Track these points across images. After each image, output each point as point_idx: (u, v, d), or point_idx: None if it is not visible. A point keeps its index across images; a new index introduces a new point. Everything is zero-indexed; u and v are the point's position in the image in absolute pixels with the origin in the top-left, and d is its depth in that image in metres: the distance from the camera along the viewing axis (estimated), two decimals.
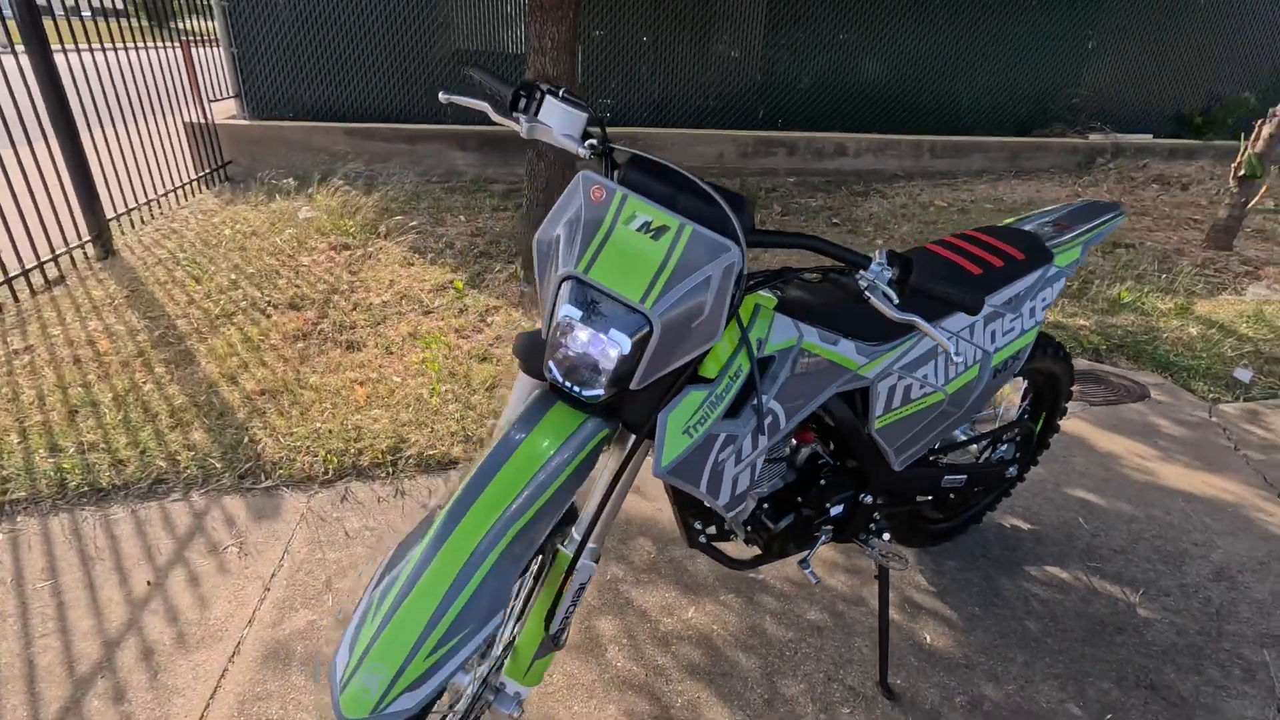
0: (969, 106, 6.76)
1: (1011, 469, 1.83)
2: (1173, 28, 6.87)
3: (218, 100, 5.85)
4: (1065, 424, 2.71)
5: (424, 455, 2.41)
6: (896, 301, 0.97)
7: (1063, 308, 3.74)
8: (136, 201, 4.56)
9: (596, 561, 1.15)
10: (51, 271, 3.70)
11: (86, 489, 2.23)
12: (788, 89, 6.41)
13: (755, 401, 1.10)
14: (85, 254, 3.99)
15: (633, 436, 1.08)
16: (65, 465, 2.29)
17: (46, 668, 1.66)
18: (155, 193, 4.77)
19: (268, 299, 3.51)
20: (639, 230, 0.96)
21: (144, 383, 2.77)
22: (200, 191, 5.28)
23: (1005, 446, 1.86)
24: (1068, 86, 6.92)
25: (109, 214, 4.22)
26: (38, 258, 3.62)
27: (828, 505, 1.43)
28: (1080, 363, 3.21)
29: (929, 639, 1.78)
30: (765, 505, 1.39)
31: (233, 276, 3.74)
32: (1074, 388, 2.90)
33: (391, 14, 5.67)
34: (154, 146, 4.85)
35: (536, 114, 1.16)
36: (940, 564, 2.01)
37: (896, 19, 6.34)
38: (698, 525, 1.39)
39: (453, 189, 5.67)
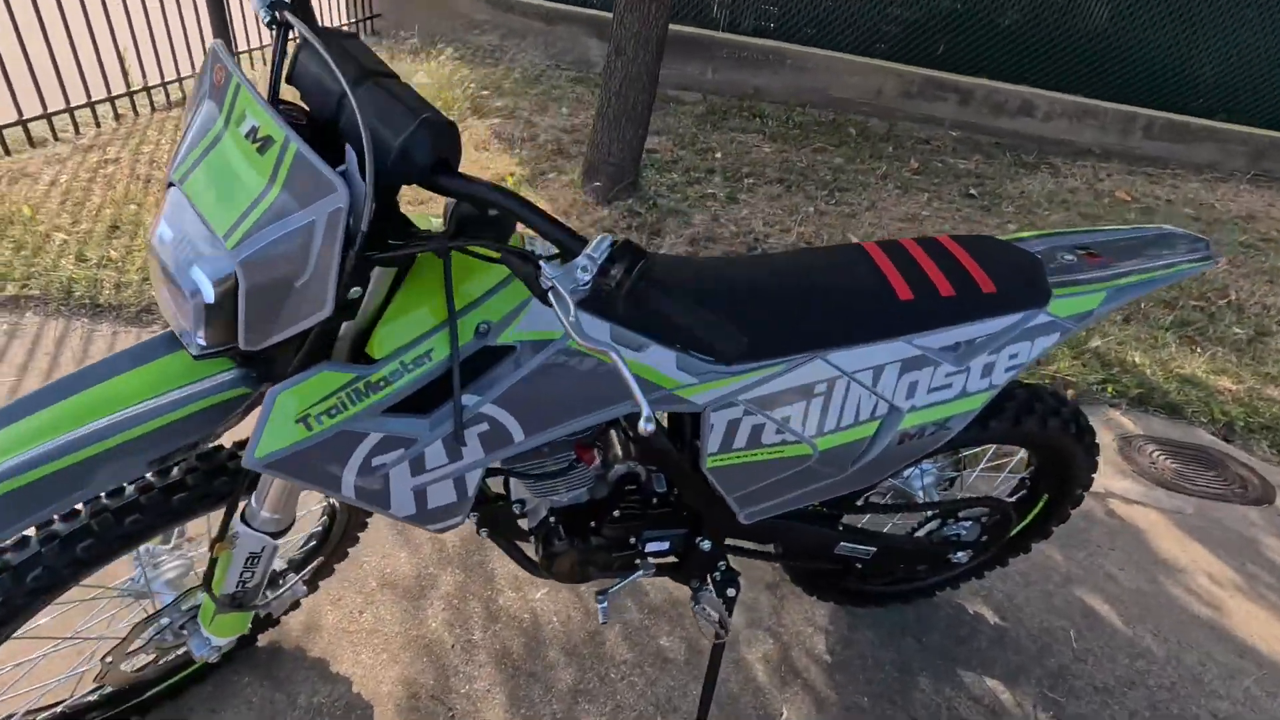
0: (1211, 80, 5.29)
1: (960, 555, 1.41)
2: None
3: None
4: (1129, 501, 2.12)
5: None
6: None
7: (1208, 348, 2.89)
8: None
9: (276, 537, 0.99)
10: (175, 93, 3.98)
11: (87, 303, 2.40)
12: (982, 25, 5.35)
13: (455, 401, 0.83)
14: None
15: None
16: (77, 276, 2.47)
17: None
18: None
19: None
20: (246, 136, 0.71)
21: None
22: None
23: (966, 524, 1.43)
24: None
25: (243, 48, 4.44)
26: (162, 77, 3.89)
27: (641, 539, 1.15)
28: (1200, 434, 2.49)
29: (786, 716, 1.47)
30: (554, 518, 1.14)
31: None
32: (1131, 470, 2.27)
33: None
34: None
35: None
36: (854, 630, 1.65)
37: None
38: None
39: (578, 79, 5.40)
